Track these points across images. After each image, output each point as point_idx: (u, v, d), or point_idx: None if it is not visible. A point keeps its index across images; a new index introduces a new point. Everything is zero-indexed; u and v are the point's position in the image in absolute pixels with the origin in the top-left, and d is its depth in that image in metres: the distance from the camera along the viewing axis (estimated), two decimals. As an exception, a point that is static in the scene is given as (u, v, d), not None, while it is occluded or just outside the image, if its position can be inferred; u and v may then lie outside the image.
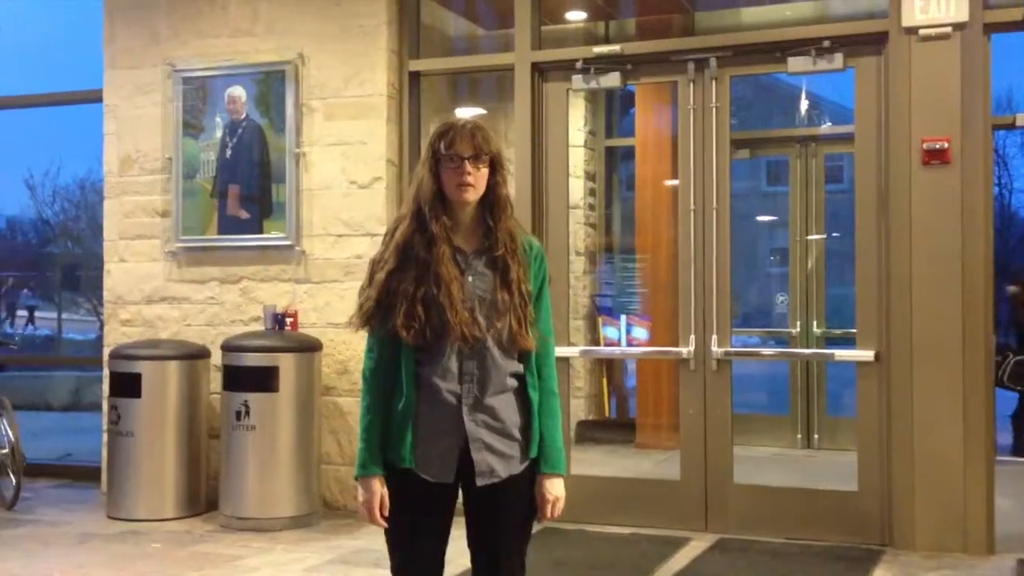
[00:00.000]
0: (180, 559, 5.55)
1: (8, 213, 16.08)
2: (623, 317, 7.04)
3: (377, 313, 2.74)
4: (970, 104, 5.52)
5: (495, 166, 2.77)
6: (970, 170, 5.52)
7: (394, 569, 2.85)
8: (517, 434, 2.79)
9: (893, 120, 5.66)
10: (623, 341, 6.82)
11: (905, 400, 5.59)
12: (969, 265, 5.51)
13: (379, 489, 2.75)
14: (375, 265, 2.79)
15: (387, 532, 2.83)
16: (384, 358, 2.77)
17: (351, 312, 2.84)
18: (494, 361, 2.73)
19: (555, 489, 2.81)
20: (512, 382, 2.77)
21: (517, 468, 2.78)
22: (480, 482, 2.74)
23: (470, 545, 2.85)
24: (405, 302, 2.67)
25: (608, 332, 7.17)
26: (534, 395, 2.80)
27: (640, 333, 6.78)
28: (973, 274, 5.51)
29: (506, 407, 2.77)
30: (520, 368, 2.79)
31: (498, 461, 2.75)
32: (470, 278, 2.74)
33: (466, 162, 2.71)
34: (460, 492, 2.82)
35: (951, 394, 5.49)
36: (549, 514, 2.81)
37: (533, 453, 2.81)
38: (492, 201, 2.77)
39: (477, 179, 2.73)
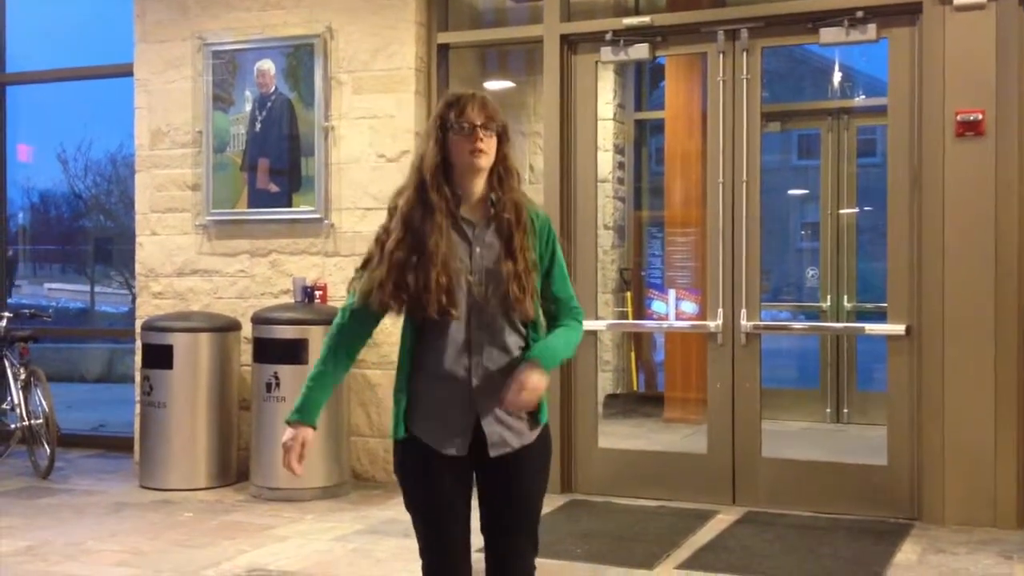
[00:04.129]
0: (211, 528, 5.62)
1: (41, 187, 16.17)
2: (672, 291, 6.98)
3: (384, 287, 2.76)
4: (1005, 75, 5.44)
5: (502, 138, 2.79)
6: (1005, 142, 5.45)
7: (423, 548, 2.83)
8: None
9: (927, 91, 5.59)
10: (672, 315, 6.77)
11: (936, 374, 5.55)
12: (1002, 238, 5.45)
13: (304, 437, 2.81)
14: (383, 240, 2.81)
15: (413, 510, 2.82)
16: (356, 321, 2.86)
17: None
18: (501, 332, 2.75)
19: (531, 376, 2.67)
20: (518, 352, 2.78)
21: (529, 438, 2.80)
22: (493, 453, 2.75)
23: (484, 528, 2.84)
24: (396, 271, 2.71)
25: (656, 306, 7.12)
26: None
27: (689, 307, 6.73)
28: (1006, 247, 5.46)
29: None
30: (523, 340, 2.80)
31: (509, 432, 2.76)
32: (478, 249, 2.75)
33: (478, 129, 2.73)
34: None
35: (982, 368, 5.46)
36: (511, 397, 2.66)
37: (544, 419, 2.83)
38: (501, 172, 2.80)
39: (489, 146, 2.75)
